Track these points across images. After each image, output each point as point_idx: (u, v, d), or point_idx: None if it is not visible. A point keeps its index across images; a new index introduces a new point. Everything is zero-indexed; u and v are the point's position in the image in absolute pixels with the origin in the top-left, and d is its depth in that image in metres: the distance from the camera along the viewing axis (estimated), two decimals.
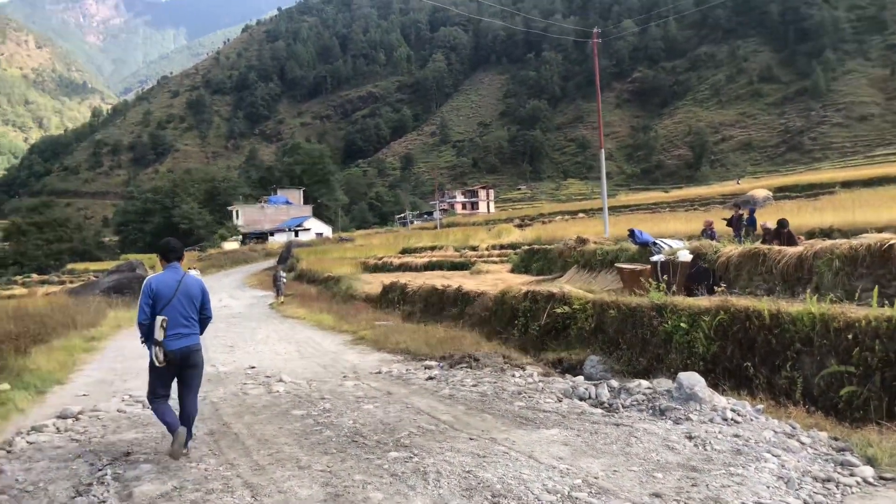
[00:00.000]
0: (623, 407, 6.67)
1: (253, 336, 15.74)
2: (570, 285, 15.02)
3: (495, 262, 33.82)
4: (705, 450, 5.24)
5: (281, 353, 12.58)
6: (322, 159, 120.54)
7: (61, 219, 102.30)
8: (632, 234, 15.28)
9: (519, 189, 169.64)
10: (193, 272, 32.68)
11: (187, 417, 6.05)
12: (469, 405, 7.15)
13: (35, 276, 73.70)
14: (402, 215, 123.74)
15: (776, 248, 11.01)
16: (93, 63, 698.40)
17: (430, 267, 38.10)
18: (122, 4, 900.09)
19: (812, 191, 57.93)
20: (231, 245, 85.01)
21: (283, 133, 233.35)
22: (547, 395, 7.40)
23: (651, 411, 6.39)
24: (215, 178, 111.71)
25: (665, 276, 12.49)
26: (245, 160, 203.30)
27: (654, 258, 12.68)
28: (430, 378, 8.95)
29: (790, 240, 13.49)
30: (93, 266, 75.95)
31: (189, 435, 6.00)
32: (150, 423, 7.14)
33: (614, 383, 7.39)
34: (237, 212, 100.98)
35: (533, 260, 26.92)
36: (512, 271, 27.50)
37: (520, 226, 59.25)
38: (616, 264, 13.87)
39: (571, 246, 18.92)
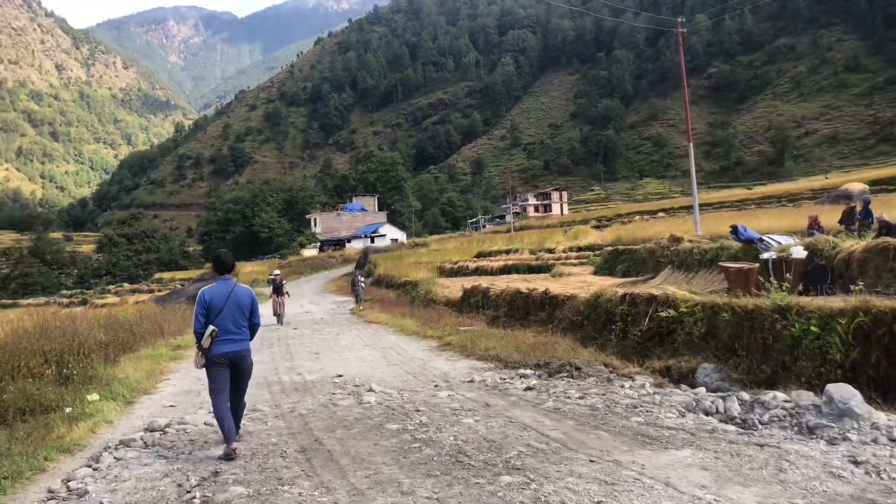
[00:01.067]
0: (760, 423, 5.85)
1: (337, 342, 15.42)
2: (662, 286, 14.06)
3: (574, 265, 32.86)
4: (881, 479, 4.41)
5: (367, 360, 12.15)
6: (395, 166, 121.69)
7: (149, 230, 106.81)
8: (735, 230, 14.20)
9: (592, 190, 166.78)
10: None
11: (236, 416, 6.53)
12: (579, 420, 6.45)
13: (126, 286, 76.76)
14: (474, 220, 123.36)
15: None
16: (175, 81, 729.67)
17: (505, 270, 37.55)
18: (201, 23, 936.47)
19: None
20: (310, 252, 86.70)
21: (355, 142, 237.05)
22: (666, 409, 6.63)
23: (796, 429, 5.55)
24: (292, 187, 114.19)
25: (776, 276, 11.44)
26: (320, 169, 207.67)
27: (764, 255, 11.64)
28: (529, 388, 8.28)
29: None
30: (179, 275, 78.66)
31: (237, 429, 6.49)
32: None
33: (745, 396, 6.55)
34: (315, 220, 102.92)
35: (618, 261, 25.87)
36: (595, 273, 26.52)
37: (597, 227, 57.79)
38: (720, 263, 12.85)
39: (664, 245, 17.87)
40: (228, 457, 6.02)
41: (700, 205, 75.58)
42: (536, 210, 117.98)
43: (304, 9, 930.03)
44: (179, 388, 10.42)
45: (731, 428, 5.82)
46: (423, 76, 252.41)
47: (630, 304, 11.55)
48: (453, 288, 28.13)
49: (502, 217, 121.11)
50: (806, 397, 6.01)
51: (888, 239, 10.52)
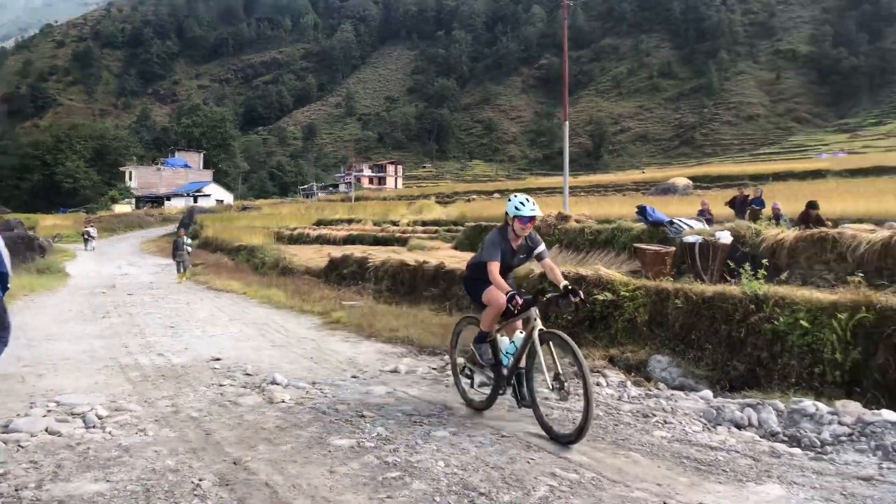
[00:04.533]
0: (826, 444, 4.76)
1: (193, 314, 12.86)
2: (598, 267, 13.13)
3: (424, 239, 31.87)
4: None
5: (243, 339, 9.94)
6: (223, 123, 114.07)
7: None
8: (643, 211, 13.56)
9: (424, 167, 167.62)
10: (91, 230, 28.45)
11: None
12: (591, 436, 5.00)
13: None
14: (306, 186, 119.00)
15: (849, 232, 9.52)
16: None
17: (350, 241, 36.08)
18: None
19: (722, 182, 59.17)
20: (123, 208, 78.77)
21: (178, 94, 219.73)
22: (686, 421, 5.38)
23: (881, 454, 4.50)
24: (104, 135, 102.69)
25: (701, 261, 10.81)
26: (136, 120, 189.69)
27: (690, 239, 10.95)
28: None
29: (819, 224, 12.17)
30: None
31: None
32: (115, 456, 4.61)
33: (780, 406, 5.45)
34: (130, 173, 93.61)
35: (479, 238, 24.99)
36: (456, 249, 25.51)
37: (439, 203, 57.35)
38: (636, 245, 12.10)
39: (551, 223, 17.06)
40: None
41: (533, 189, 77.93)
42: (371, 182, 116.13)
43: None
44: None
45: (798, 451, 4.65)
46: (258, 32, 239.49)
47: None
48: (303, 255, 25.97)
49: (335, 186, 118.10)
50: (869, 414, 4.98)
51: (825, 230, 10.16)
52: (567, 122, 24.98)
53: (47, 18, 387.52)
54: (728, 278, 9.40)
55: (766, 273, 8.11)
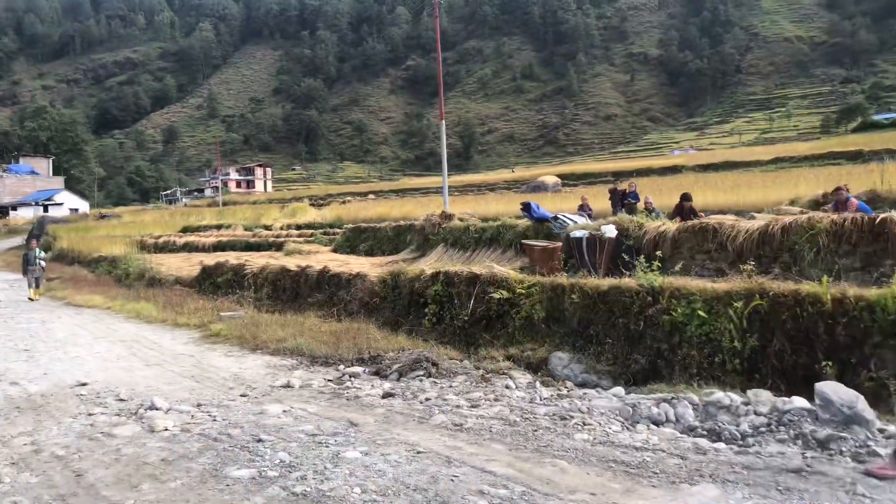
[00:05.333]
0: (746, 436, 4.72)
1: (51, 334, 11.48)
2: (441, 265, 13.01)
3: (299, 243, 30.98)
4: None
5: (112, 360, 8.94)
6: (73, 126, 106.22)
7: None
8: (527, 207, 13.56)
9: (294, 169, 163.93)
10: None
11: None
12: (511, 445, 4.74)
13: None
14: (169, 192, 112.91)
15: (728, 222, 9.88)
16: None
17: (220, 247, 34.67)
18: None
19: (587, 179, 61.67)
20: None
21: (20, 96, 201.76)
22: (604, 421, 5.22)
23: (801, 443, 4.50)
24: None
25: (589, 255, 10.94)
26: None
27: (577, 234, 11.02)
28: (390, 395, 6.31)
29: (693, 215, 12.65)
30: None
31: None
32: None
33: (695, 399, 5.41)
34: None
35: (359, 240, 24.50)
36: (335, 251, 24.85)
37: (313, 205, 56.04)
38: (523, 241, 12.06)
39: (435, 222, 16.80)
40: None
41: (408, 189, 77.94)
42: (239, 186, 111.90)
43: None
44: None
45: (722, 446, 4.57)
46: (109, 30, 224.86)
47: (445, 283, 10.09)
48: (171, 264, 24.39)
49: (201, 191, 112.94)
50: (794, 402, 4.99)
51: (707, 220, 10.50)
52: (444, 122, 24.94)
53: None
54: (622, 271, 9.50)
55: (660, 265, 8.22)
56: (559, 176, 62.00)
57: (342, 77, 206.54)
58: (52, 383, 7.53)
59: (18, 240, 50.22)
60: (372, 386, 6.72)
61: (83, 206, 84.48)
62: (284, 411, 5.88)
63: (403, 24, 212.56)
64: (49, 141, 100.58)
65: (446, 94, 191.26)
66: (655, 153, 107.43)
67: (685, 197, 13.22)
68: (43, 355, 9.40)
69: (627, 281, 8.05)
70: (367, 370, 7.52)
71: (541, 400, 5.90)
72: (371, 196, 71.47)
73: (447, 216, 16.90)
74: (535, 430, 5.04)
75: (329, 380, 7.25)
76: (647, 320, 7.47)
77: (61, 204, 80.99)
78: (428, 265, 13.16)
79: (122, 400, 6.59)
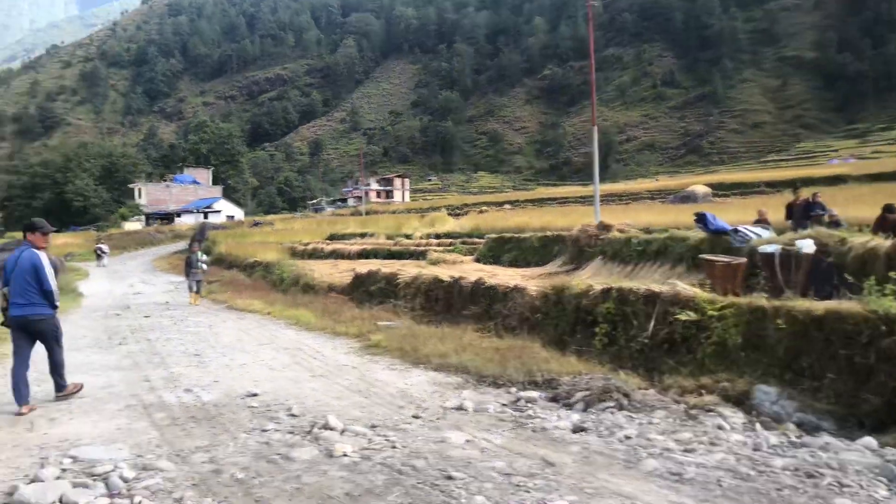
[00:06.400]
0: None
1: (218, 338, 11.82)
2: (602, 280, 12.10)
3: (439, 251, 30.88)
4: None
5: (278, 368, 8.93)
6: (230, 139, 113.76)
7: None
8: (702, 218, 12.46)
9: (430, 180, 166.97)
10: (103, 247, 27.27)
11: (52, 368, 7.36)
12: None
13: None
14: (315, 201, 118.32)
15: None
16: None
17: (364, 255, 35.18)
18: None
19: (738, 189, 58.01)
20: (133, 225, 78.36)
21: (184, 112, 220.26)
22: (867, 484, 4.29)
23: None
24: (113, 153, 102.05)
25: (783, 273, 9.69)
26: (143, 138, 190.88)
27: (769, 249, 9.86)
28: (581, 429, 5.67)
29: None
30: None
31: (59, 386, 7.40)
32: None
33: None
34: (139, 190, 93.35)
35: (503, 250, 23.99)
36: (478, 261, 24.45)
37: (452, 215, 56.31)
38: (703, 256, 11.00)
39: (592, 233, 15.99)
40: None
41: (545, 199, 76.91)
42: (378, 196, 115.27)
43: None
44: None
45: None
46: (261, 49, 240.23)
47: (618, 301, 9.26)
48: (321, 271, 24.94)
49: (343, 200, 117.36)
50: None
51: None
52: (596, 127, 23.91)
53: (53, 39, 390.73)
54: (824, 292, 8.28)
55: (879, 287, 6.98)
56: (708, 185, 58.81)
57: (478, 88, 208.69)
58: (223, 392, 7.52)
59: (182, 244, 53.95)
60: (558, 417, 6.12)
61: (239, 213, 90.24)
62: (468, 441, 5.42)
63: (540, 35, 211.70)
64: (209, 153, 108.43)
65: (583, 102, 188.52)
66: (810, 162, 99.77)
67: (889, 209, 11.61)
68: (212, 361, 9.55)
69: (849, 305, 6.92)
70: (542, 395, 6.90)
71: (769, 447, 5.03)
72: (507, 206, 71.05)
73: (604, 226, 15.98)
74: (780, 490, 4.23)
75: (504, 404, 6.73)
76: (879, 353, 6.31)
77: (219, 211, 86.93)
78: (586, 279, 12.35)
79: (293, 415, 6.41)
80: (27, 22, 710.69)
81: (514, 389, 7.29)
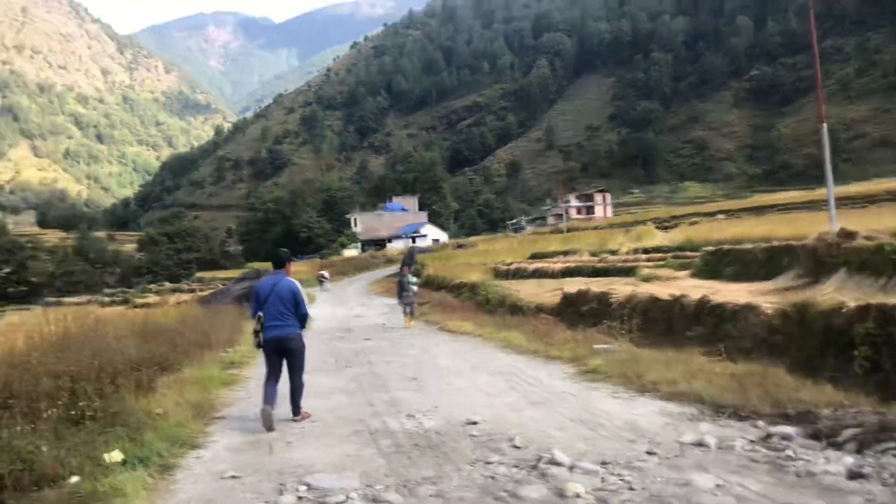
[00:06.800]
0: None
1: (434, 361, 11.98)
2: (845, 294, 10.58)
3: (650, 267, 29.34)
4: None
5: (494, 394, 8.71)
6: (433, 167, 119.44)
7: (190, 229, 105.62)
8: None
9: (632, 193, 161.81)
10: (324, 273, 29.83)
11: (292, 392, 7.91)
12: None
13: (167, 285, 74.64)
14: (514, 221, 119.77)
15: None
16: (214, 85, 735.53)
17: (567, 273, 34.41)
18: (240, 29, 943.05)
19: None
20: (351, 252, 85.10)
21: (390, 145, 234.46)
22: None
23: None
24: (331, 187, 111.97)
25: None
26: (356, 171, 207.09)
27: None
28: (858, 476, 4.75)
29: None
30: (220, 274, 76.62)
31: (295, 411, 7.90)
32: None
33: None
34: (355, 219, 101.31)
35: (723, 264, 22.21)
36: (694, 276, 22.86)
37: (660, 228, 53.79)
38: None
39: (832, 242, 14.22)
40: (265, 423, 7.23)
41: (763, 206, 71.16)
42: (579, 212, 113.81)
43: (339, 14, 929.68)
44: (240, 439, 7.09)
45: None
46: (458, 80, 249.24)
47: (882, 322, 7.96)
48: (525, 291, 24.76)
49: (543, 219, 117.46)
50: None
51: None
52: (825, 125, 21.41)
53: (278, 89, 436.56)
54: None
55: None
56: None
57: (678, 96, 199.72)
58: (443, 419, 7.40)
59: (393, 268, 56.95)
60: (826, 459, 5.17)
61: (443, 236, 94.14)
62: (718, 486, 4.70)
63: (744, 34, 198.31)
64: (415, 181, 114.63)
65: (800, 100, 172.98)
66: None
67: None
68: (430, 385, 9.58)
69: None
70: (798, 431, 5.96)
71: None
72: (720, 216, 66.54)
73: (846, 234, 14.06)
74: None
75: (752, 440, 5.88)
76: None
77: (425, 235, 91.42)
78: (832, 294, 10.93)
79: (516, 447, 6.07)
80: (257, 76, 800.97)
81: (760, 423, 6.40)
